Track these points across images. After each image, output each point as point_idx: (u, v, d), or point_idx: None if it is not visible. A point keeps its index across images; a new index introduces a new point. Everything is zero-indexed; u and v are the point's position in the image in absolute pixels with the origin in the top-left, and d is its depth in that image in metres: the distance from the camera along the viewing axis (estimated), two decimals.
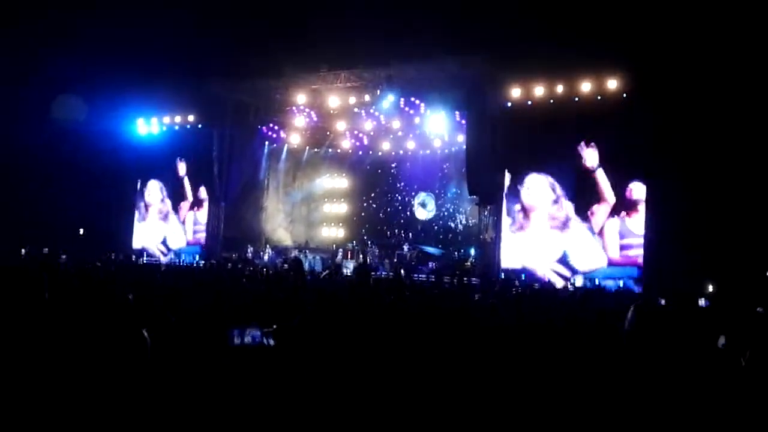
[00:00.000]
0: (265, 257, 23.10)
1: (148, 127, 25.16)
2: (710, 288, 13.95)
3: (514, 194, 18.94)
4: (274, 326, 4.95)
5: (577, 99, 17.89)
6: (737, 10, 15.27)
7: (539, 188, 18.62)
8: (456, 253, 22.97)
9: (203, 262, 21.80)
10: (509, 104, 18.90)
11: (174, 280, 11.92)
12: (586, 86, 17.75)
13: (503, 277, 18.07)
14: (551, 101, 18.31)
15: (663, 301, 8.32)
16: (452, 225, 24.87)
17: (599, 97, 17.58)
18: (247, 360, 4.81)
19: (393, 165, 26.49)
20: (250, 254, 23.14)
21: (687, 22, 15.74)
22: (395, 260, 22.04)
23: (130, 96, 23.13)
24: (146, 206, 25.33)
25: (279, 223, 25.28)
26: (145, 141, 25.19)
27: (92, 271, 13.31)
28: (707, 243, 15.40)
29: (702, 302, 10.21)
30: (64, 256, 19.08)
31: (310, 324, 5.16)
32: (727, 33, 15.39)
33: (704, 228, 15.66)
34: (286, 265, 18.47)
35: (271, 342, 4.83)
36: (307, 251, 23.15)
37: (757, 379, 4.70)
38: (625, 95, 17.30)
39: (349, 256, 22.87)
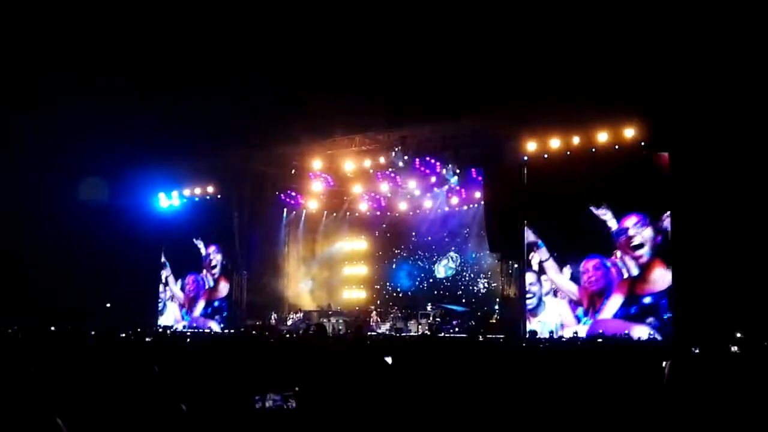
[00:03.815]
0: (289, 323, 22.95)
1: (169, 200, 25.58)
2: (738, 335, 13.51)
3: (536, 250, 18.62)
4: (296, 389, 4.87)
5: (594, 150, 17.80)
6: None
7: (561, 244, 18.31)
8: (479, 310, 22.63)
9: (227, 331, 21.73)
10: (526, 158, 18.82)
11: (200, 350, 11.84)
12: (602, 136, 17.67)
13: (529, 332, 17.66)
14: (568, 153, 18.23)
15: (696, 350, 8.05)
16: (474, 282, 24.54)
17: (617, 147, 17.45)
18: (271, 423, 4.74)
19: (411, 225, 26.42)
20: (273, 321, 23.05)
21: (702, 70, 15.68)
22: (420, 320, 21.74)
23: (152, 171, 23.58)
24: (169, 279, 25.53)
25: (301, 288, 25.29)
26: (166, 214, 25.62)
27: (119, 343, 13.25)
28: (734, 292, 15.01)
29: (734, 349, 9.89)
30: (93, 332, 19.02)
31: (331, 386, 5.05)
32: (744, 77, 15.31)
33: (731, 277, 15.25)
34: (310, 330, 18.33)
35: (293, 404, 4.75)
36: (330, 315, 23.05)
37: None
38: (642, 144, 17.18)
39: (379, 319, 22.81)
